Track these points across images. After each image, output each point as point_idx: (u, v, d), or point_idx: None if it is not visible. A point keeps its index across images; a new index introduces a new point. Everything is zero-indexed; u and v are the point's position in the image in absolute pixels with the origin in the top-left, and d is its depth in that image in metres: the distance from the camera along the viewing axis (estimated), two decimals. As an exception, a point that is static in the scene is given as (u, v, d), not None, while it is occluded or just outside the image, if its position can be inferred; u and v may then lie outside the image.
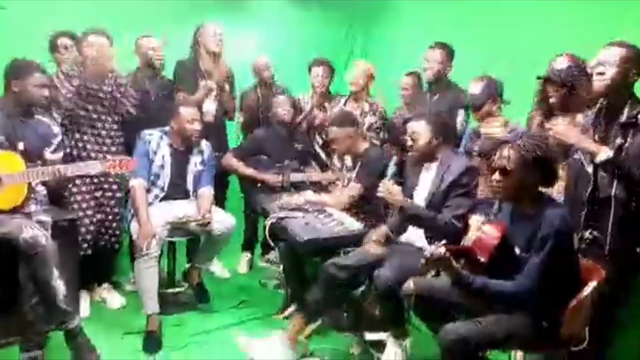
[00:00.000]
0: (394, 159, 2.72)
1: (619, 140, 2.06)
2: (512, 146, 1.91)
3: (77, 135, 2.99)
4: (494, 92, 2.80)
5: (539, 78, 2.57)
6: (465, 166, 2.50)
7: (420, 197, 2.62)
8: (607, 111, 2.13)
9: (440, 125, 2.59)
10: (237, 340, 2.69)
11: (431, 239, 2.50)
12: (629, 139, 2.04)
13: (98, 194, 3.06)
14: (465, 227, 2.50)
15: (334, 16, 5.05)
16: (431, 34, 3.54)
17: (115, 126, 3.10)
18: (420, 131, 2.57)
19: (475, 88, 2.83)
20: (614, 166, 2.05)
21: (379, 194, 2.55)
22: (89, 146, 3.01)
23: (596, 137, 2.14)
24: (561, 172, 2.21)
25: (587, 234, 2.17)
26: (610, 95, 2.09)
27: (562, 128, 2.17)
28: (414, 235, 2.65)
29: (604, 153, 2.04)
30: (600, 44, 2.13)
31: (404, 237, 2.71)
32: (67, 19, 3.40)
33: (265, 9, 4.84)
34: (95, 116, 3.01)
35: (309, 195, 3.09)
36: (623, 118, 2.06)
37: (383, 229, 2.68)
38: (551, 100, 2.48)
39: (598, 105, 2.18)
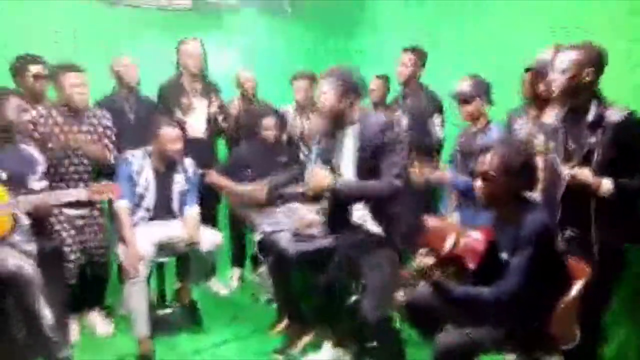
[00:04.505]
0: (316, 138, 2.59)
1: (591, 140, 2.09)
2: (494, 152, 1.94)
3: (56, 162, 2.94)
4: (483, 91, 2.82)
5: (527, 70, 2.61)
6: (383, 121, 2.33)
7: (347, 163, 2.43)
8: (573, 112, 2.18)
9: (350, 84, 2.36)
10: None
11: (377, 214, 2.37)
12: (597, 139, 2.08)
13: (80, 222, 3.01)
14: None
15: (312, 27, 5.07)
16: (409, 42, 3.58)
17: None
18: (327, 90, 2.35)
19: (464, 85, 2.83)
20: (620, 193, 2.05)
21: (307, 184, 2.42)
22: (71, 170, 2.96)
23: (567, 137, 2.18)
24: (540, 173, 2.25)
25: (567, 233, 2.19)
26: (571, 97, 2.14)
27: (580, 175, 2.11)
28: (358, 216, 2.49)
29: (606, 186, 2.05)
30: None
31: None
32: (42, 43, 3.38)
33: (244, 23, 4.85)
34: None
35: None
36: (589, 118, 2.10)
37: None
38: (538, 91, 2.52)
39: (566, 106, 2.22)
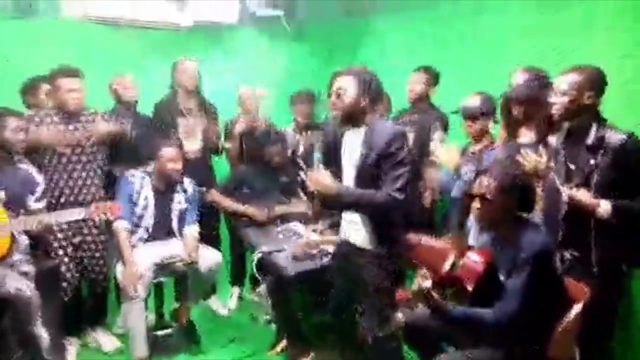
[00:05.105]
0: (319, 145, 2.54)
1: (591, 162, 2.10)
2: (490, 174, 1.95)
3: (57, 177, 2.94)
4: (490, 109, 2.78)
5: (500, 96, 2.62)
6: (393, 132, 2.22)
7: (349, 168, 2.33)
8: (574, 133, 2.19)
9: (370, 84, 2.27)
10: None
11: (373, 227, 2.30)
12: (597, 161, 2.09)
13: (77, 239, 3.01)
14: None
15: (311, 46, 5.11)
16: (412, 60, 3.63)
17: (93, 166, 3.06)
18: (347, 87, 2.25)
19: (473, 101, 2.79)
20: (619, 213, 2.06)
21: (309, 188, 2.33)
22: (67, 191, 2.96)
23: (567, 158, 2.19)
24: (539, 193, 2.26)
25: (567, 254, 2.19)
26: (571, 120, 2.15)
27: (578, 196, 2.11)
28: (350, 233, 2.40)
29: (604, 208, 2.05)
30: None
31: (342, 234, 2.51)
32: (43, 60, 3.42)
33: (243, 42, 4.90)
34: (75, 158, 2.98)
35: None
36: (589, 140, 2.11)
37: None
38: (514, 114, 2.48)
39: (565, 128, 2.23)
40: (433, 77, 3.48)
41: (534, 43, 3.23)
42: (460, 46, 3.82)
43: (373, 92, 2.28)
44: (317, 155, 2.49)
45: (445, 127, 3.40)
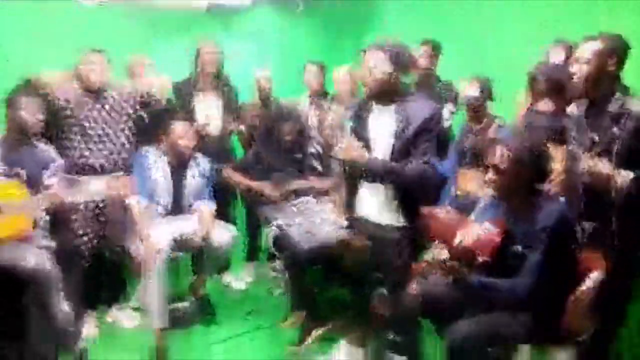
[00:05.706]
0: (350, 111, 2.50)
1: (613, 131, 2.05)
2: (505, 144, 1.93)
3: (83, 146, 2.94)
4: (489, 92, 2.87)
5: (529, 74, 2.61)
6: (432, 109, 2.27)
7: (381, 142, 2.32)
8: (596, 103, 2.13)
9: (402, 59, 2.27)
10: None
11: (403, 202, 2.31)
12: (619, 130, 2.04)
13: (96, 214, 3.01)
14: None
15: (325, 24, 5.07)
16: (421, 37, 3.58)
17: (118, 142, 3.04)
18: (378, 62, 2.23)
19: (472, 90, 2.85)
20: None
21: (338, 156, 2.35)
22: (91, 160, 2.96)
23: (589, 128, 2.15)
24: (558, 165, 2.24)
25: (587, 226, 2.17)
26: (592, 89, 2.10)
27: (597, 166, 2.05)
28: (372, 209, 2.41)
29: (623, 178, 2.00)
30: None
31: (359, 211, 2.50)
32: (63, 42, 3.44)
33: (257, 22, 4.88)
34: (100, 131, 2.98)
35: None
36: (612, 109, 2.06)
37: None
38: (540, 88, 2.56)
39: (587, 97, 2.18)
40: (436, 50, 3.49)
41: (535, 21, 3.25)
42: (465, 24, 3.80)
43: (401, 65, 2.26)
44: (349, 124, 2.47)
45: (454, 99, 3.38)
